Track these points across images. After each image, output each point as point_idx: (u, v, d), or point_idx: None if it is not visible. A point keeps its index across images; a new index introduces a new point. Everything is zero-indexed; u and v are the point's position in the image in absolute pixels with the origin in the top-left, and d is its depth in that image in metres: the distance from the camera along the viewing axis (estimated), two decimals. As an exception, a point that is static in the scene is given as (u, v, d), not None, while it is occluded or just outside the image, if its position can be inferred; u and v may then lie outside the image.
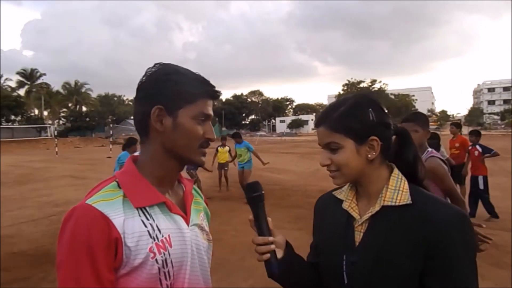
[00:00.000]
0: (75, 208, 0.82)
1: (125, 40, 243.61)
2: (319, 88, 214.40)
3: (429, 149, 2.58)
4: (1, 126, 38.08)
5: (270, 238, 0.97)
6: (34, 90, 48.72)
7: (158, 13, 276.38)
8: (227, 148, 9.70)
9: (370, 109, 0.96)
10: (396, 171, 1.00)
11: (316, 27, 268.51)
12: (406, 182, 0.98)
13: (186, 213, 0.96)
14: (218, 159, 9.54)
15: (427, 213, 0.90)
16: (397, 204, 0.94)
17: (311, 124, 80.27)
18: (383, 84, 52.19)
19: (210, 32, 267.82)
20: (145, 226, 0.85)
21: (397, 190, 0.96)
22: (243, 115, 78.78)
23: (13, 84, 48.50)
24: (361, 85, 50.96)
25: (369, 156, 0.96)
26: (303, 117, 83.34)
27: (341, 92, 52.50)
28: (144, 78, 0.94)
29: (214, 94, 0.97)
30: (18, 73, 47.56)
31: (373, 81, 51.89)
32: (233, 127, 65.36)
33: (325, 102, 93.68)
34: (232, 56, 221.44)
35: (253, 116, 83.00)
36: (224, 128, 58.86)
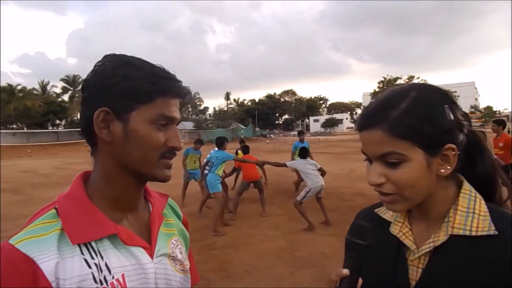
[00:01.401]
0: None
1: (162, 44, 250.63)
2: (354, 86, 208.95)
3: None
4: (47, 130, 40.40)
5: None
6: (77, 95, 51.21)
7: (193, 16, 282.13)
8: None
9: (446, 105, 0.70)
10: (466, 185, 0.75)
11: (351, 24, 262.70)
12: (483, 202, 0.73)
13: (151, 242, 0.78)
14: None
15: None
16: (472, 233, 0.69)
17: (346, 123, 78.95)
18: (421, 80, 50.06)
19: (243, 33, 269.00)
20: (89, 267, 0.67)
21: (470, 213, 0.71)
22: (277, 115, 78.60)
23: (58, 90, 51.25)
24: (398, 82, 49.12)
25: (442, 170, 0.71)
26: (338, 116, 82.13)
27: (376, 89, 50.94)
28: (89, 74, 0.75)
29: (178, 91, 0.77)
30: (62, 79, 50.10)
31: (411, 78, 49.89)
32: (266, 127, 65.41)
33: (360, 100, 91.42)
34: (265, 56, 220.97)
35: (286, 116, 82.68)
36: (257, 129, 59.00)
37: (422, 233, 0.77)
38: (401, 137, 0.68)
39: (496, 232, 0.68)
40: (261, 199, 7.13)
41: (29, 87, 45.23)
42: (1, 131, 35.33)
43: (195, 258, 4.11)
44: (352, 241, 0.73)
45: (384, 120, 0.70)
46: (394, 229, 0.80)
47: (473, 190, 0.75)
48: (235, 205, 7.07)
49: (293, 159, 8.40)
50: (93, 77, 0.74)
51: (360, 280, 0.73)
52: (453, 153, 0.70)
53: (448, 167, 0.71)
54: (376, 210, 0.88)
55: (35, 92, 45.96)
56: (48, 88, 50.29)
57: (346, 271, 0.71)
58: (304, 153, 6.59)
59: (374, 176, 0.72)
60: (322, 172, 6.37)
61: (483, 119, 55.55)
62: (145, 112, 0.72)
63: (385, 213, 0.85)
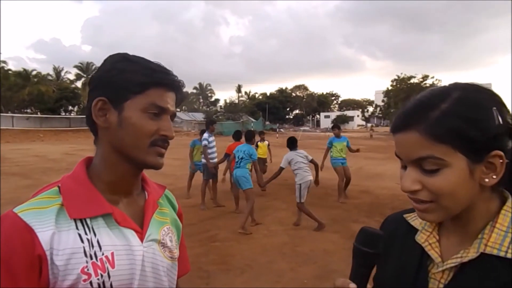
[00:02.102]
0: None
1: (174, 35, 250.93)
2: (366, 83, 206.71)
3: None
4: (60, 115, 40.97)
5: None
6: (89, 82, 51.82)
7: (206, 8, 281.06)
8: (266, 142, 9.56)
9: (495, 107, 0.63)
10: (510, 202, 0.67)
11: (364, 20, 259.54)
12: None
13: (143, 226, 0.82)
14: (259, 154, 9.38)
15: None
16: (508, 255, 0.62)
17: (357, 120, 78.21)
18: (436, 80, 49.06)
19: (256, 26, 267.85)
20: (82, 242, 0.73)
21: (510, 234, 0.64)
22: (287, 109, 78.30)
23: (71, 76, 51.77)
24: (412, 80, 48.32)
25: (487, 180, 0.64)
26: (349, 112, 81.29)
27: (390, 88, 50.22)
28: (95, 70, 0.85)
29: (171, 83, 0.82)
30: (76, 66, 50.54)
31: (425, 77, 48.97)
32: (276, 122, 65.21)
33: (372, 97, 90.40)
34: (278, 50, 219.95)
35: (297, 111, 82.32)
36: (267, 122, 58.87)
37: (450, 247, 0.71)
38: (441, 140, 0.62)
39: None
40: (234, 195, 6.91)
41: (43, 72, 45.87)
42: (15, 115, 35.98)
43: (197, 250, 4.13)
44: (360, 249, 0.69)
45: (422, 121, 0.63)
46: (420, 238, 0.75)
47: None
48: (236, 199, 6.93)
49: (326, 156, 7.93)
50: (96, 72, 0.83)
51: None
52: (501, 161, 0.63)
53: (494, 177, 0.64)
54: (405, 216, 0.82)
55: (49, 77, 46.51)
56: (62, 74, 50.88)
57: (353, 286, 0.67)
58: (293, 143, 6.07)
59: (408, 182, 0.66)
60: (314, 164, 6.02)
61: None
62: (138, 101, 0.78)
63: (414, 220, 0.79)
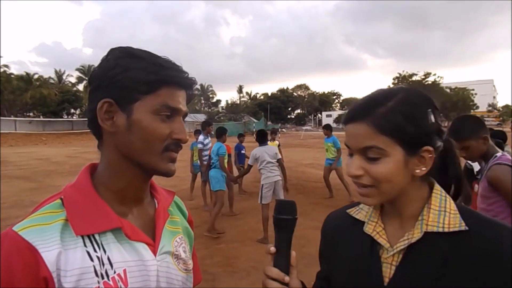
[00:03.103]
0: None
1: (174, 36, 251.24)
2: (368, 81, 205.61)
3: (498, 154, 2.08)
4: (62, 118, 41.11)
5: (286, 278, 0.76)
6: (91, 85, 51.95)
7: (206, 8, 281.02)
8: (276, 142, 9.52)
9: (430, 109, 0.75)
10: (437, 187, 0.79)
11: (365, 19, 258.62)
12: (452, 202, 0.77)
13: (155, 238, 0.76)
14: None
15: (490, 242, 0.70)
16: (445, 230, 0.72)
17: (359, 119, 78.01)
18: (438, 77, 48.98)
19: (257, 26, 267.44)
20: (91, 260, 0.66)
21: (442, 212, 0.75)
22: (289, 109, 78.26)
23: (73, 79, 51.99)
24: (413, 78, 48.18)
25: (417, 171, 0.74)
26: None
27: (391, 85, 50.04)
28: (95, 68, 0.75)
29: (183, 81, 0.75)
30: (77, 69, 50.84)
31: (427, 74, 48.89)
32: (278, 122, 65.24)
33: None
34: (279, 50, 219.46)
35: (299, 111, 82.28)
36: (269, 123, 58.89)
37: (395, 232, 0.79)
38: (384, 132, 0.72)
39: (467, 228, 0.71)
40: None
41: (45, 76, 46.14)
42: (18, 118, 36.10)
43: (202, 252, 4.07)
44: (280, 218, 0.78)
45: (371, 115, 0.73)
46: (368, 229, 0.82)
47: (443, 191, 0.79)
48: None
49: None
50: (97, 70, 0.74)
51: (294, 253, 0.79)
52: (430, 155, 0.74)
53: (424, 168, 0.74)
54: (348, 211, 0.90)
55: (51, 81, 46.82)
56: (64, 77, 51.13)
57: (273, 249, 0.77)
58: (263, 137, 5.53)
59: (353, 168, 0.75)
60: (281, 166, 5.52)
61: (501, 118, 54.28)
62: (148, 102, 0.71)
63: (358, 213, 0.87)
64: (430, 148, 0.73)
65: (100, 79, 0.72)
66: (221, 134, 6.07)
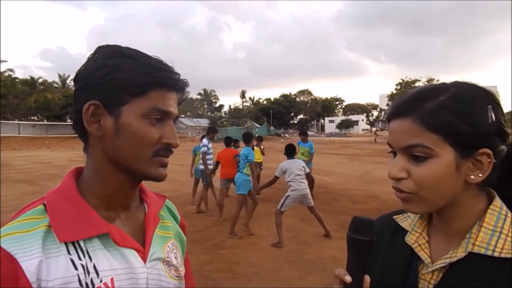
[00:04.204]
0: None
1: (178, 41, 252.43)
2: (371, 87, 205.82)
3: None
4: (65, 122, 41.28)
5: None
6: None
7: (209, 14, 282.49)
8: (261, 147, 9.55)
9: (490, 106, 0.64)
10: (498, 202, 0.67)
11: (368, 25, 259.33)
12: None
13: (144, 244, 0.72)
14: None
15: None
16: (495, 254, 0.62)
17: (362, 125, 78.04)
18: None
19: (260, 31, 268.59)
20: (76, 269, 0.62)
21: (497, 233, 0.63)
22: (292, 114, 78.23)
23: (77, 84, 52.21)
24: (416, 84, 48.17)
25: (472, 177, 0.64)
26: (353, 117, 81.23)
27: (394, 91, 50.09)
28: (81, 67, 0.70)
29: (174, 83, 0.71)
30: (81, 73, 51.00)
31: (430, 80, 48.85)
32: (281, 127, 65.19)
33: (377, 102, 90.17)
34: (281, 55, 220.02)
35: (301, 116, 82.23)
36: (272, 128, 58.85)
37: (440, 247, 0.71)
38: (433, 130, 0.63)
39: None
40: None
41: (50, 80, 46.35)
42: (22, 122, 36.27)
43: (203, 258, 4.04)
44: (354, 238, 0.68)
45: (417, 110, 0.64)
46: (410, 239, 0.75)
47: (504, 208, 0.67)
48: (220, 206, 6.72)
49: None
50: (85, 68, 0.70)
51: (368, 278, 0.69)
52: (488, 160, 0.63)
53: (480, 175, 0.64)
54: (395, 217, 0.82)
55: (55, 85, 46.98)
56: (68, 81, 51.30)
57: (348, 279, 0.67)
58: (291, 151, 5.68)
59: (395, 169, 0.66)
60: (310, 179, 5.60)
61: (505, 125, 54.00)
62: (138, 105, 0.68)
63: (404, 221, 0.79)
64: (489, 151, 0.63)
65: (87, 79, 0.68)
66: (249, 139, 6.21)
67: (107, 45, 0.71)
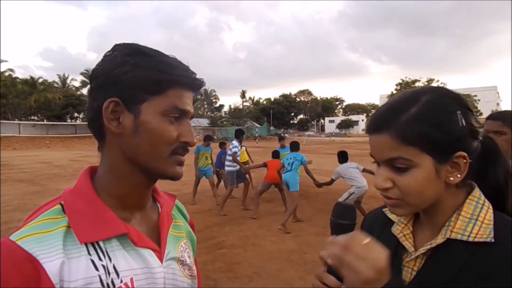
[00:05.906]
0: None
1: (179, 41, 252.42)
2: (371, 87, 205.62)
3: None
4: (66, 122, 41.32)
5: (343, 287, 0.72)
6: (95, 89, 52.11)
7: (210, 14, 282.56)
8: (244, 148, 9.57)
9: (459, 111, 0.69)
10: (476, 192, 0.73)
11: (369, 25, 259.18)
12: (491, 210, 0.71)
13: (160, 244, 0.73)
14: (240, 159, 9.33)
15: (509, 256, 0.63)
16: (470, 239, 0.68)
17: (362, 125, 77.99)
18: (441, 83, 48.89)
19: (260, 32, 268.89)
20: (96, 269, 0.62)
21: (473, 220, 0.69)
22: (292, 114, 78.29)
23: (77, 84, 52.16)
24: (416, 84, 48.19)
25: (452, 178, 0.69)
26: (353, 117, 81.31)
27: (394, 92, 50.08)
28: (98, 64, 0.70)
29: (191, 82, 0.72)
30: (81, 73, 50.92)
31: (430, 80, 48.89)
32: (281, 127, 65.23)
33: (377, 102, 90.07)
34: (282, 55, 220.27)
35: (301, 116, 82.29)
36: (272, 128, 58.85)
37: (423, 238, 0.76)
38: (409, 143, 0.67)
39: (493, 240, 0.66)
40: (282, 198, 7.03)
41: (50, 80, 46.33)
42: (22, 122, 36.28)
43: (204, 257, 4.03)
44: (338, 222, 0.72)
45: (393, 125, 0.69)
46: (396, 229, 0.80)
47: (482, 197, 0.73)
48: (256, 205, 6.87)
49: None
50: (102, 66, 0.69)
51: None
52: (464, 161, 0.69)
53: (458, 175, 0.69)
54: (384, 210, 0.87)
55: (55, 85, 46.97)
56: (68, 81, 51.38)
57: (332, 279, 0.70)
58: (343, 157, 6.24)
59: (380, 180, 0.71)
60: (370, 172, 5.87)
61: (505, 125, 53.88)
62: (157, 103, 0.68)
63: (392, 213, 0.84)
64: (464, 154, 0.68)
65: (105, 76, 0.67)
66: (298, 146, 6.76)
67: (124, 43, 0.71)
